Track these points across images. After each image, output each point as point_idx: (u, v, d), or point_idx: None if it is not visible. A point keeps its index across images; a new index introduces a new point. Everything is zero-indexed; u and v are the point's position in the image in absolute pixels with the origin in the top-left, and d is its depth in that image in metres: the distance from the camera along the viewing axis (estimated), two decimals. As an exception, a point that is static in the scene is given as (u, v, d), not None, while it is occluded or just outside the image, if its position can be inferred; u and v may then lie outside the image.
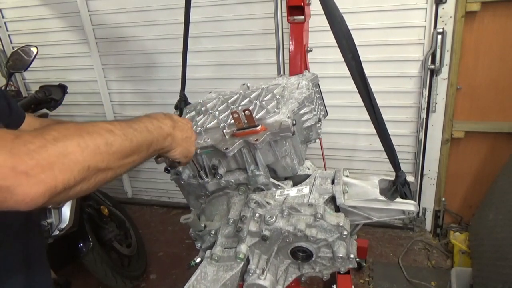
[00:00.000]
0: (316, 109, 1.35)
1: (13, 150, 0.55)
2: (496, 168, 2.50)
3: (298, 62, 1.82)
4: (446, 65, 2.49)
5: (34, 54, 2.21)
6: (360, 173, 2.95)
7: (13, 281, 0.92)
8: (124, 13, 3.04)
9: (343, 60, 1.06)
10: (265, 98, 1.26)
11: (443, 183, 2.84)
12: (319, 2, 1.07)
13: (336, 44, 1.06)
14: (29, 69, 2.29)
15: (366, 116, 1.08)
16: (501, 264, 1.91)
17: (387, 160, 1.13)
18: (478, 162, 2.74)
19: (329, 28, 1.06)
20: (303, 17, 1.77)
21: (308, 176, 1.24)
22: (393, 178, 1.13)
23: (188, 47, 1.83)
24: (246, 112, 1.07)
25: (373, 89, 1.06)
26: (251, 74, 2.89)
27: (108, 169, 0.68)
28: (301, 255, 1.13)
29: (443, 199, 2.87)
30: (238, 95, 1.34)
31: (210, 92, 1.44)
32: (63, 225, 2.07)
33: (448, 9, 2.38)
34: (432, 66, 2.50)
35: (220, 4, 2.79)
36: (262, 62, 2.84)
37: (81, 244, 2.29)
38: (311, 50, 1.92)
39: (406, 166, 2.85)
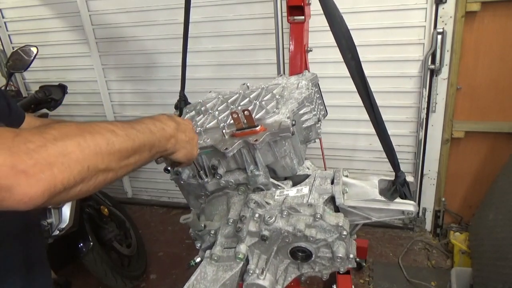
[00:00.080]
0: (316, 109, 1.34)
1: (13, 149, 0.55)
2: (496, 168, 2.50)
3: (298, 62, 1.82)
4: (446, 65, 2.49)
5: (34, 54, 2.21)
6: (360, 173, 2.95)
7: (13, 281, 0.93)
8: (124, 13, 3.04)
9: (343, 60, 1.06)
10: (265, 98, 1.26)
11: (443, 183, 2.84)
12: (319, 2, 1.07)
13: (336, 44, 1.06)
14: (29, 69, 2.29)
15: (366, 116, 1.08)
16: (501, 264, 1.91)
17: (387, 160, 1.13)
18: (478, 162, 2.74)
19: (329, 28, 1.06)
20: (303, 17, 1.77)
21: (307, 176, 1.24)
22: (392, 178, 1.13)
23: (188, 47, 1.83)
24: (246, 112, 1.07)
25: (373, 89, 1.06)
26: (251, 74, 2.89)
27: (108, 170, 0.67)
28: (300, 255, 1.13)
29: (443, 199, 2.87)
30: (237, 95, 1.34)
31: (210, 92, 1.44)
32: (63, 225, 2.07)
33: (448, 9, 2.38)
34: (432, 66, 2.50)
35: (220, 4, 2.79)
36: (262, 62, 2.84)
37: (81, 244, 2.29)
38: (311, 50, 1.92)
39: (406, 166, 2.85)
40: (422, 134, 2.70)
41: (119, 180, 3.67)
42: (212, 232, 1.20)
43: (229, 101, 1.32)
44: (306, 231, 1.06)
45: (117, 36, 3.15)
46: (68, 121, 0.73)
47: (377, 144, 1.14)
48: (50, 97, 2.17)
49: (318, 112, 1.38)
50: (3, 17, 3.38)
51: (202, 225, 1.21)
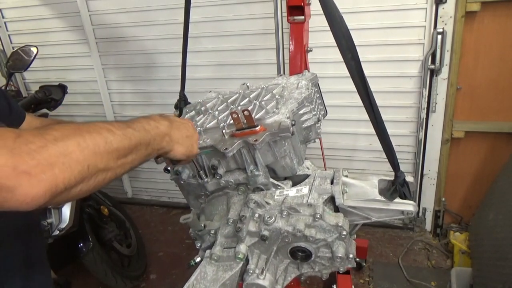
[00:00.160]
0: (316, 109, 1.34)
1: (15, 150, 0.55)
2: (496, 168, 2.50)
3: (298, 62, 1.82)
4: (446, 65, 2.49)
5: (34, 54, 2.22)
6: (360, 173, 2.95)
7: (13, 281, 0.93)
8: (124, 13, 3.04)
9: (342, 60, 1.06)
10: (265, 98, 1.26)
11: (443, 183, 2.84)
12: (319, 2, 1.07)
13: (336, 44, 1.06)
14: (29, 69, 2.29)
15: (366, 116, 1.08)
16: (501, 264, 1.91)
17: (387, 160, 1.13)
18: (478, 162, 2.74)
19: (329, 28, 1.06)
20: (303, 17, 1.77)
21: (307, 176, 1.24)
22: (392, 178, 1.14)
23: (188, 47, 1.83)
24: (245, 112, 1.07)
25: (373, 89, 1.06)
26: (251, 74, 2.89)
27: (107, 169, 0.68)
28: (300, 255, 1.13)
29: (443, 199, 2.87)
30: (237, 94, 1.34)
31: (210, 92, 1.44)
32: (63, 225, 2.07)
33: (448, 9, 2.38)
34: (432, 66, 2.50)
35: (220, 4, 2.79)
36: (262, 62, 2.84)
37: (81, 244, 2.29)
38: (311, 50, 1.92)
39: (406, 166, 2.85)
40: (422, 134, 2.70)
41: (119, 180, 3.69)
42: (212, 232, 1.20)
43: (229, 101, 1.32)
44: (306, 231, 1.06)
45: (117, 36, 3.15)
46: (66, 121, 0.73)
47: (377, 144, 1.14)
48: (50, 97, 2.18)
49: (318, 112, 1.38)
50: (3, 17, 3.38)
51: (202, 225, 1.21)
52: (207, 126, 1.22)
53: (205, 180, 1.20)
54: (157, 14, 2.96)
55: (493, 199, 2.34)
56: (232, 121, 1.13)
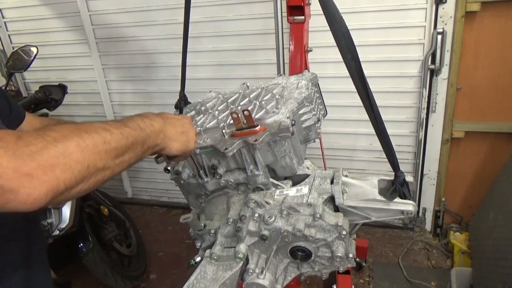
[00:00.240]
0: (316, 109, 1.35)
1: (16, 152, 0.56)
2: (496, 168, 2.50)
3: (298, 62, 1.82)
4: (446, 65, 2.49)
5: (34, 54, 2.21)
6: (360, 173, 2.95)
7: (13, 281, 0.93)
8: (124, 13, 3.04)
9: (342, 60, 1.06)
10: (265, 98, 1.26)
11: (443, 183, 2.84)
12: (318, 2, 1.07)
13: (336, 44, 1.06)
14: (29, 69, 2.29)
15: (366, 116, 1.08)
16: (501, 264, 1.91)
17: (387, 160, 1.13)
18: (478, 162, 2.74)
19: (329, 28, 1.06)
20: (303, 17, 1.76)
21: (307, 176, 1.24)
22: (392, 178, 1.14)
23: (188, 47, 1.83)
24: (245, 112, 1.07)
25: (373, 89, 1.06)
26: (251, 74, 2.89)
27: (106, 167, 0.69)
28: (300, 254, 1.13)
29: (443, 199, 2.87)
30: (237, 94, 1.34)
31: (210, 92, 1.44)
32: (63, 225, 2.07)
33: (448, 9, 2.38)
34: (432, 66, 2.50)
35: (220, 4, 2.79)
36: (262, 62, 2.84)
37: (81, 244, 2.29)
38: (311, 50, 1.92)
39: (406, 166, 2.85)
40: (422, 134, 2.70)
41: (119, 180, 3.69)
42: (212, 231, 1.20)
43: (229, 100, 1.32)
44: (306, 231, 1.06)
45: (117, 36, 3.15)
46: (66, 120, 0.74)
47: (377, 144, 1.14)
48: (50, 97, 2.17)
49: (318, 112, 1.38)
50: (3, 17, 3.38)
51: (202, 225, 1.21)
52: (207, 126, 1.23)
53: (205, 179, 1.20)
54: (157, 14, 2.96)
55: (493, 199, 2.34)
56: (232, 121, 1.13)
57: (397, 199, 1.12)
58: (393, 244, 2.91)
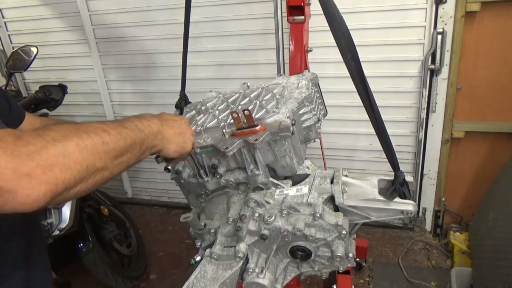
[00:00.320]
0: (316, 109, 1.35)
1: (15, 152, 0.56)
2: (496, 168, 2.51)
3: (298, 62, 1.82)
4: (446, 65, 2.49)
5: (34, 54, 2.21)
6: (360, 173, 2.95)
7: (13, 281, 0.93)
8: (124, 13, 3.04)
9: (342, 60, 1.06)
10: (265, 98, 1.26)
11: (443, 183, 2.84)
12: (319, 2, 1.07)
13: (336, 44, 1.06)
14: (29, 69, 2.29)
15: (366, 116, 1.09)
16: (501, 264, 1.91)
17: (387, 160, 1.13)
18: (478, 162, 2.74)
19: (329, 28, 1.06)
20: (303, 17, 1.76)
21: (307, 175, 1.24)
22: (392, 178, 1.14)
23: (188, 47, 1.83)
24: (246, 112, 1.07)
25: (373, 89, 1.06)
26: (251, 74, 2.89)
27: (105, 168, 0.69)
28: (300, 254, 1.13)
29: (443, 199, 2.87)
30: (238, 94, 1.34)
31: (210, 91, 1.44)
32: (63, 225, 2.07)
33: (448, 9, 2.38)
34: (432, 66, 2.50)
35: (220, 4, 2.79)
36: (262, 62, 2.84)
37: (81, 244, 2.29)
38: (311, 50, 1.92)
39: (406, 166, 2.85)
40: (422, 134, 2.70)
41: (119, 180, 3.69)
42: (212, 231, 1.20)
43: (229, 100, 1.32)
44: (306, 230, 1.06)
45: (117, 36, 3.15)
46: (65, 120, 0.74)
47: (377, 144, 1.14)
48: (50, 97, 2.17)
49: (318, 112, 1.38)
50: (3, 17, 3.38)
51: (202, 224, 1.21)
52: (208, 125, 1.23)
53: (205, 179, 1.20)
54: (157, 14, 2.96)
55: (493, 199, 2.35)
56: (232, 121, 1.13)
57: (397, 199, 1.12)
58: (393, 244, 2.91)
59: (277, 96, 1.25)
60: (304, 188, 1.16)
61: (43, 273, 1.05)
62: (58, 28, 3.27)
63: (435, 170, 2.81)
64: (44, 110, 2.29)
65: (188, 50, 1.83)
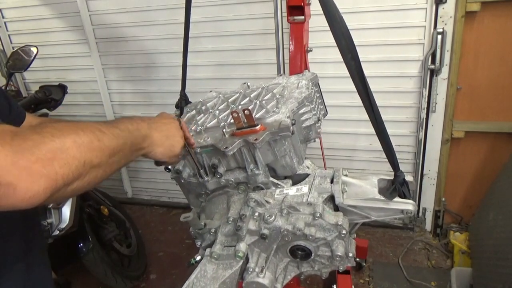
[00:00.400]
0: (316, 109, 1.35)
1: (14, 146, 0.56)
2: (496, 168, 2.51)
3: (298, 62, 1.82)
4: (446, 65, 2.49)
5: (34, 54, 2.21)
6: (360, 173, 2.95)
7: (13, 281, 0.92)
8: (124, 13, 3.04)
9: (342, 60, 1.06)
10: (265, 98, 1.26)
11: (443, 183, 2.84)
12: (319, 2, 1.07)
13: (336, 44, 1.06)
14: (29, 69, 2.29)
15: (366, 116, 1.09)
16: (501, 264, 1.91)
17: (387, 160, 1.13)
18: (478, 162, 2.74)
19: (329, 28, 1.06)
20: (303, 17, 1.77)
21: (307, 175, 1.24)
22: (392, 178, 1.14)
23: (188, 46, 1.83)
24: (246, 111, 1.07)
25: (373, 89, 1.06)
26: (251, 74, 2.89)
27: (100, 165, 0.70)
28: (300, 253, 1.13)
29: (443, 199, 2.87)
30: (238, 94, 1.34)
31: (211, 91, 1.45)
32: (63, 225, 2.07)
33: (448, 9, 2.38)
34: (432, 66, 2.50)
35: (220, 4, 2.79)
36: (262, 62, 2.84)
37: (81, 244, 2.29)
38: (311, 50, 1.92)
39: (406, 166, 2.85)
40: (422, 134, 2.70)
41: (119, 180, 3.69)
42: (212, 230, 1.20)
43: (229, 100, 1.33)
44: (306, 230, 1.06)
45: (117, 36, 3.15)
46: (62, 120, 0.75)
47: (377, 144, 1.14)
48: (50, 97, 2.17)
49: (318, 112, 1.38)
50: (3, 17, 3.38)
51: (202, 224, 1.22)
52: (208, 125, 1.23)
53: (206, 179, 1.20)
54: (157, 14, 2.96)
55: (493, 199, 2.35)
56: (232, 120, 1.13)
57: (397, 199, 1.13)
58: (393, 244, 2.91)
59: (277, 96, 1.25)
60: (304, 188, 1.16)
61: (43, 273, 1.04)
62: (58, 28, 3.27)
63: (435, 170, 2.81)
64: (44, 110, 2.28)
65: (188, 50, 1.83)
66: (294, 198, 1.13)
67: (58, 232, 2.06)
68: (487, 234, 2.24)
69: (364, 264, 2.66)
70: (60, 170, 0.60)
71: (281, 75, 1.50)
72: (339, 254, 1.08)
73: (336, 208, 1.16)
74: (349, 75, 1.07)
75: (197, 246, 1.27)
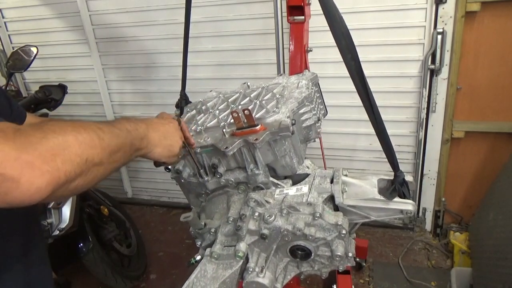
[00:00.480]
0: (316, 109, 1.35)
1: (17, 143, 0.56)
2: (496, 168, 2.51)
3: (298, 62, 1.82)
4: (446, 65, 2.49)
5: (34, 54, 2.21)
6: (360, 173, 2.95)
7: (13, 282, 0.92)
8: (124, 13, 3.04)
9: (342, 60, 1.06)
10: (265, 98, 1.26)
11: (443, 183, 2.84)
12: (318, 2, 1.07)
13: (336, 44, 1.06)
14: (29, 69, 2.29)
15: (366, 116, 1.09)
16: (501, 264, 1.91)
17: (387, 160, 1.13)
18: (478, 162, 2.74)
19: (329, 28, 1.06)
20: (303, 17, 1.77)
21: (307, 175, 1.24)
22: (391, 178, 1.14)
23: (188, 46, 1.83)
24: (246, 111, 1.07)
25: (373, 89, 1.06)
26: (251, 74, 2.89)
27: (101, 164, 0.70)
28: (300, 253, 1.14)
29: (443, 199, 2.87)
30: (238, 94, 1.34)
31: (211, 91, 1.45)
32: (63, 225, 2.07)
33: (448, 9, 2.38)
34: (432, 66, 2.50)
35: (220, 4, 2.79)
36: (262, 62, 2.84)
37: (81, 244, 2.29)
38: (311, 50, 1.92)
39: (406, 166, 2.85)
40: (422, 134, 2.70)
41: (119, 180, 3.69)
42: (212, 230, 1.20)
43: (229, 100, 1.33)
44: (306, 230, 1.06)
45: (117, 36, 3.15)
46: (62, 119, 0.75)
47: (377, 144, 1.14)
48: (50, 97, 2.17)
49: (318, 112, 1.38)
50: (3, 17, 3.38)
51: (203, 223, 1.22)
52: (208, 125, 1.23)
53: (206, 179, 1.20)
54: (157, 14, 2.96)
55: (493, 199, 2.35)
56: (232, 120, 1.13)
57: (397, 199, 1.13)
58: (393, 244, 2.91)
59: (277, 96, 1.25)
60: (304, 188, 1.16)
61: (43, 273, 1.04)
62: (58, 28, 3.27)
63: (435, 170, 2.81)
64: (44, 110, 2.28)
65: (188, 50, 1.83)
66: (294, 198, 1.13)
67: (58, 232, 2.06)
68: (487, 234, 2.24)
69: (364, 264, 2.66)
70: (62, 166, 0.60)
71: (281, 75, 1.50)
72: (339, 254, 1.08)
73: (336, 208, 1.16)
74: (349, 75, 1.07)
75: (197, 246, 1.27)
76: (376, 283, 2.56)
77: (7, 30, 3.43)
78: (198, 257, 1.19)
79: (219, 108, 1.30)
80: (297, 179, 1.25)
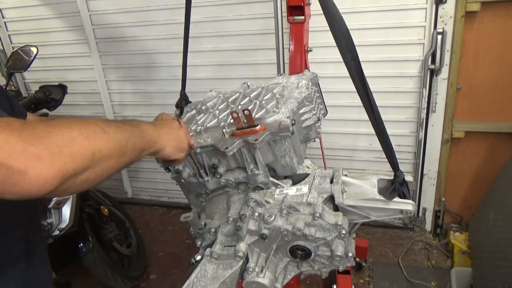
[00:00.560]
0: (316, 109, 1.35)
1: (22, 135, 0.57)
2: (496, 168, 2.51)
3: (298, 62, 1.82)
4: (446, 65, 2.49)
5: (34, 54, 2.21)
6: (360, 173, 2.95)
7: (13, 281, 0.93)
8: (124, 13, 3.04)
9: (342, 60, 1.06)
10: (265, 98, 1.26)
11: (443, 183, 2.84)
12: (318, 2, 1.07)
13: (336, 44, 1.06)
14: (29, 69, 2.29)
15: (366, 116, 1.09)
16: (501, 264, 1.91)
17: (387, 160, 1.13)
18: (478, 162, 2.74)
19: (329, 28, 1.06)
20: (303, 17, 1.77)
21: (307, 175, 1.24)
22: (391, 178, 1.14)
23: (188, 46, 1.83)
24: (246, 111, 1.07)
25: (373, 89, 1.06)
26: (251, 74, 2.89)
27: (109, 157, 0.70)
28: (299, 253, 1.14)
29: (443, 199, 2.87)
30: (238, 94, 1.34)
31: (211, 91, 1.45)
32: (63, 225, 2.07)
33: (448, 9, 2.38)
34: (432, 66, 2.50)
35: (220, 4, 2.79)
36: (262, 62, 2.84)
37: (81, 244, 2.29)
38: (311, 50, 1.92)
39: (406, 166, 2.85)
40: (422, 134, 2.70)
41: (119, 180, 3.69)
42: (212, 230, 1.20)
43: (229, 100, 1.33)
44: (305, 230, 1.06)
45: (117, 36, 3.15)
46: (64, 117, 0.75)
47: (377, 144, 1.14)
48: (50, 97, 2.18)
49: (318, 112, 1.38)
50: (3, 17, 3.38)
51: (203, 224, 1.22)
52: (208, 125, 1.23)
53: (206, 179, 1.20)
54: (157, 14, 2.96)
55: (493, 199, 2.35)
56: (232, 120, 1.13)
57: (397, 199, 1.13)
58: (393, 244, 2.91)
59: (277, 96, 1.25)
60: (304, 188, 1.16)
61: (43, 273, 1.05)
62: (58, 28, 3.27)
63: (435, 170, 2.81)
64: (44, 110, 2.28)
65: (188, 50, 1.83)
66: (294, 198, 1.13)
67: (58, 232, 2.06)
68: (487, 234, 2.24)
69: (364, 264, 2.66)
70: (69, 159, 0.61)
71: (281, 75, 1.50)
72: (339, 254, 1.08)
73: (336, 208, 1.16)
74: (349, 75, 1.07)
75: (197, 246, 1.27)
76: (376, 283, 2.56)
77: (7, 30, 3.43)
78: (198, 257, 1.19)
79: (219, 108, 1.30)
80: (297, 179, 1.25)
